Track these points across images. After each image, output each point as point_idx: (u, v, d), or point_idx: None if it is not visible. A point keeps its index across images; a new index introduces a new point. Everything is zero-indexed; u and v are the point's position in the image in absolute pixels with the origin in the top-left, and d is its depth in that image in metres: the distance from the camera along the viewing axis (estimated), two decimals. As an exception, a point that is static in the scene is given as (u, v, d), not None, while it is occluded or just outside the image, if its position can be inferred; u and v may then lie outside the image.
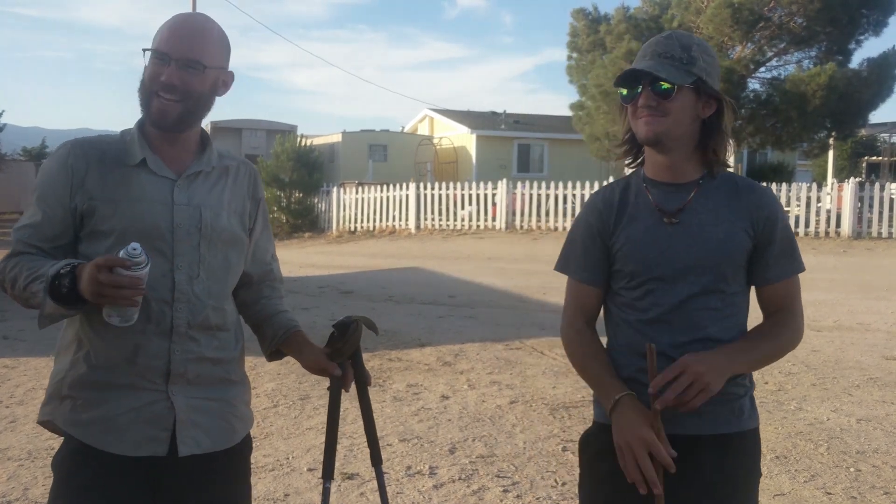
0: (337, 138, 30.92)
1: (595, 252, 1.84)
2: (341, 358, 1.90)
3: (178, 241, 1.74)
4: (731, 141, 1.84)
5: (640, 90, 1.75)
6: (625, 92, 1.80)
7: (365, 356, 7.16)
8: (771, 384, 5.73)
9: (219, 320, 1.80)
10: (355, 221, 20.64)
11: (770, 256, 1.76)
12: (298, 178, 22.38)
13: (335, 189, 21.69)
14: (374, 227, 20.35)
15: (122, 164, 1.75)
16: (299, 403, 5.12)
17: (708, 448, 1.73)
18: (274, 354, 1.99)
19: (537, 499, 3.62)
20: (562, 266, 1.92)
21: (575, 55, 23.51)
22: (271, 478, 3.86)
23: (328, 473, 1.94)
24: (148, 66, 1.72)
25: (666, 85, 1.70)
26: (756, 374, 6.41)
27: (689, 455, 1.69)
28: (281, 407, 5.01)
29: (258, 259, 1.97)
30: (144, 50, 1.74)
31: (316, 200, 22.45)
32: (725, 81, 19.48)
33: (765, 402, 5.26)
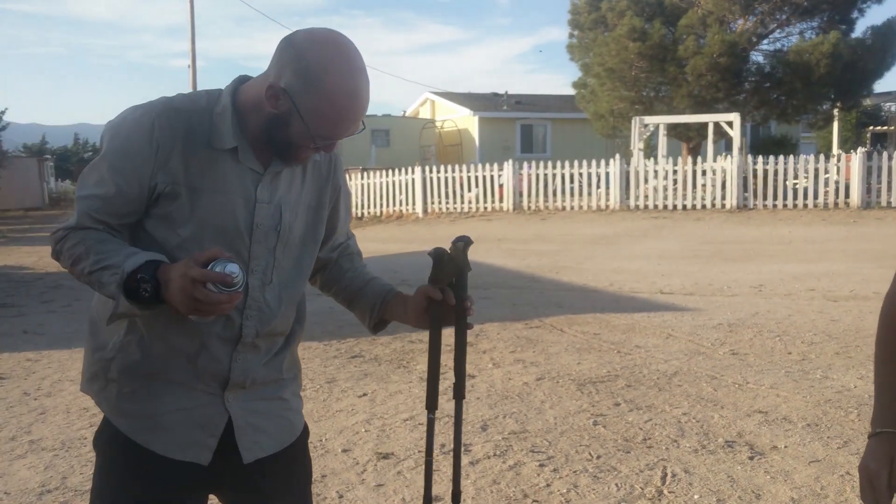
0: (339, 124, 30.82)
1: None
2: (441, 283, 1.75)
3: (255, 242, 1.60)
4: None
5: None
6: None
7: (386, 338, 7.18)
8: (795, 354, 5.73)
9: (284, 327, 1.70)
10: (362, 207, 20.62)
11: None
12: (303, 165, 22.30)
13: (340, 175, 21.64)
14: (381, 212, 20.33)
15: (209, 147, 1.55)
16: (327, 387, 5.13)
17: None
18: (378, 325, 1.87)
19: (574, 472, 3.64)
20: None
21: (577, 33, 23.40)
22: (307, 460, 3.88)
23: (432, 405, 1.86)
24: (298, 127, 1.51)
25: None
26: (779, 345, 6.39)
27: None
28: (309, 391, 5.03)
29: (335, 242, 1.86)
30: (294, 106, 1.49)
31: (321, 187, 22.42)
32: (728, 55, 19.42)
33: (790, 371, 5.26)
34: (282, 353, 1.72)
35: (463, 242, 1.76)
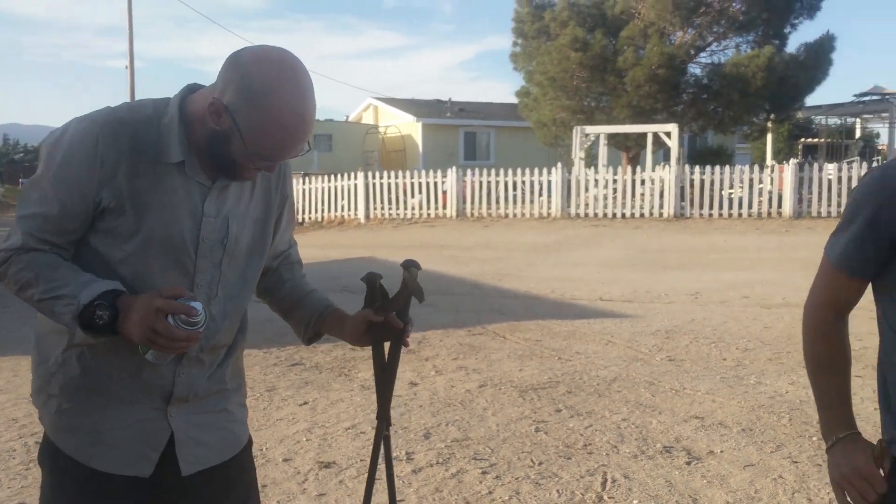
0: (281, 129, 30.51)
1: (875, 241, 1.48)
2: (391, 310, 1.78)
3: (201, 256, 1.58)
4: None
5: None
6: None
7: (327, 346, 7.10)
8: (729, 360, 5.87)
9: (228, 339, 1.69)
10: (303, 213, 20.43)
11: None
12: (244, 169, 22.04)
13: (282, 180, 21.40)
14: (323, 217, 20.18)
15: (155, 161, 1.51)
16: (267, 395, 5.07)
17: None
18: (313, 338, 1.88)
19: (516, 479, 3.65)
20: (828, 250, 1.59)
21: (520, 41, 23.60)
22: (247, 470, 3.82)
23: (384, 422, 1.88)
24: (239, 146, 1.47)
25: None
26: (715, 351, 6.52)
27: None
28: (248, 399, 4.89)
29: (276, 251, 1.84)
30: (235, 125, 1.45)
31: (262, 192, 22.14)
32: (666, 67, 19.84)
33: (726, 377, 5.39)
34: (225, 364, 1.71)
35: (416, 268, 1.79)
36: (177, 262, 1.55)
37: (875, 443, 1.54)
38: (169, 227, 1.53)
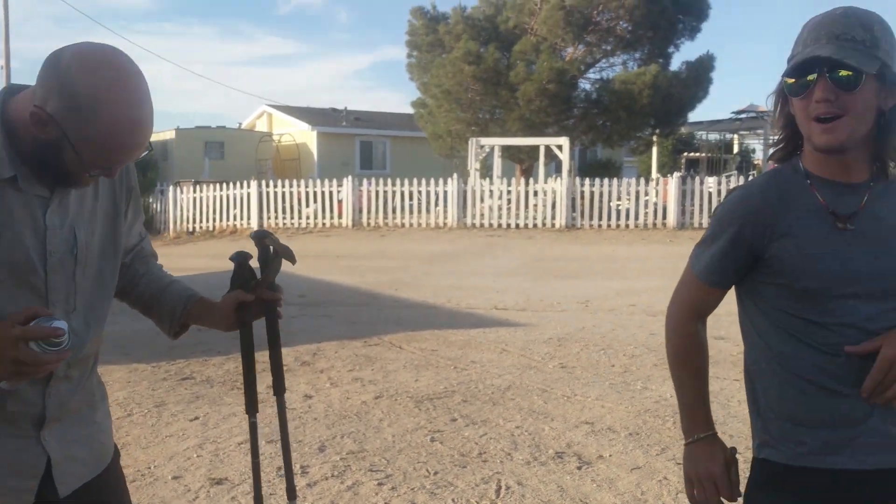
0: (170, 135, 29.62)
1: (737, 257, 1.58)
2: (266, 282, 1.78)
3: (51, 272, 1.46)
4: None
5: (814, 80, 1.43)
6: (791, 84, 1.47)
7: (219, 359, 6.93)
8: (617, 366, 6.07)
9: (95, 348, 1.61)
10: (194, 222, 19.88)
11: None
12: (131, 177, 21.28)
13: (171, 188, 20.78)
14: (214, 227, 19.68)
15: None
16: (155, 411, 4.90)
17: None
18: (180, 331, 1.80)
19: (412, 489, 3.67)
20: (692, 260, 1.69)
21: (415, 53, 23.77)
22: (134, 489, 3.67)
23: (252, 408, 1.89)
24: (71, 156, 1.36)
25: (848, 73, 1.40)
26: (604, 358, 6.72)
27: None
28: (136, 415, 4.78)
29: (129, 244, 1.74)
30: (65, 136, 1.35)
31: (151, 200, 21.40)
32: (557, 82, 20.38)
33: (614, 383, 5.57)
34: (92, 375, 1.65)
35: (268, 237, 1.78)
36: (26, 282, 1.43)
37: (728, 448, 1.68)
38: (12, 248, 1.40)
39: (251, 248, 1.81)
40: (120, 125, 1.34)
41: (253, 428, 1.89)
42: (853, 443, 1.48)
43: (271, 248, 1.76)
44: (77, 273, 1.51)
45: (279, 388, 1.93)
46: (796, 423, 1.52)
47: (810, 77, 1.43)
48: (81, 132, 1.33)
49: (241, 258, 1.78)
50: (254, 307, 1.76)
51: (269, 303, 1.77)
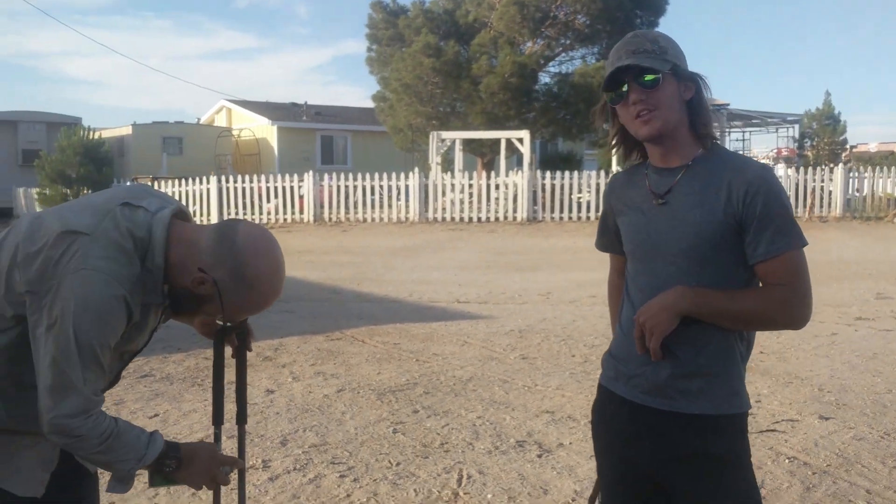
0: (127, 131, 29.19)
1: (609, 228, 2.02)
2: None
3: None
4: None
5: (626, 88, 1.78)
6: (611, 96, 1.83)
7: (179, 356, 6.86)
8: (578, 356, 6.15)
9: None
10: (153, 218, 19.62)
11: (757, 234, 1.73)
12: (86, 173, 21.00)
13: (128, 185, 20.49)
14: (174, 223, 19.45)
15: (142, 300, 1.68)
16: (114, 408, 4.84)
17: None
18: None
19: (374, 480, 3.69)
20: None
21: (375, 47, 23.70)
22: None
23: (218, 419, 1.99)
24: (215, 310, 1.74)
25: (650, 76, 1.75)
26: (565, 348, 6.77)
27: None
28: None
29: None
30: (219, 297, 1.70)
31: (107, 197, 21.10)
32: (518, 76, 20.47)
33: (574, 373, 5.65)
34: None
35: None
36: (124, 364, 1.83)
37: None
38: (133, 344, 1.74)
39: None
40: (267, 300, 1.71)
41: (216, 439, 1.97)
42: (630, 381, 1.87)
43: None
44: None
45: (241, 417, 2.03)
46: (612, 356, 1.96)
47: (623, 88, 1.78)
48: (236, 299, 1.66)
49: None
50: (227, 332, 1.98)
51: (242, 338, 1.98)
